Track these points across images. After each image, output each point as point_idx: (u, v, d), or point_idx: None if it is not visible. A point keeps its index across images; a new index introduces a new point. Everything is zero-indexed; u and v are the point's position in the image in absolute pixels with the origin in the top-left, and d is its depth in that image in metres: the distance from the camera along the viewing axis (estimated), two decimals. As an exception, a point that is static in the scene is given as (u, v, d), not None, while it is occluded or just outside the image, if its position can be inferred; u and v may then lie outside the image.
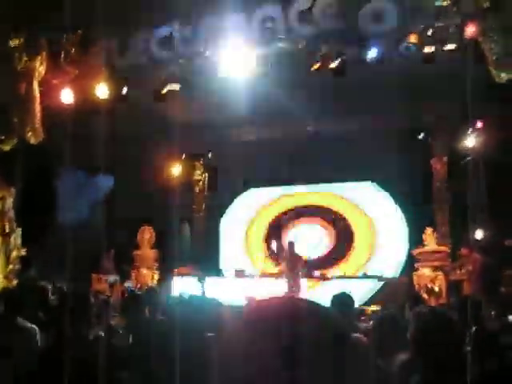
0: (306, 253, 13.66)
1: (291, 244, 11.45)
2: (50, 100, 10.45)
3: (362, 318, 7.96)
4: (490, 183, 10.92)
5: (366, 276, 11.96)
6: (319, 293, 11.00)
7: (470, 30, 7.73)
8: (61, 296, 5.43)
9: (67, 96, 10.48)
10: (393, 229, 13.47)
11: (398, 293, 10.48)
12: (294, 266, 10.98)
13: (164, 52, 9.63)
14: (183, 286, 11.81)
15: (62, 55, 10.40)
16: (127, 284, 12.10)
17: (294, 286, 10.71)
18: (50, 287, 5.58)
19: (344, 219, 13.95)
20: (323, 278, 11.91)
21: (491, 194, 10.90)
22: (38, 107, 10.04)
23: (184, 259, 13.45)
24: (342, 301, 4.30)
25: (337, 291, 4.82)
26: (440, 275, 11.16)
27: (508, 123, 10.22)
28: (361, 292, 10.53)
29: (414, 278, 11.35)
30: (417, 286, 11.10)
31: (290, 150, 13.12)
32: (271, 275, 12.04)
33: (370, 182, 13.85)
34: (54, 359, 2.89)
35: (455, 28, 8.00)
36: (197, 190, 15.20)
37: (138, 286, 12.10)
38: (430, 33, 8.35)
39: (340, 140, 12.60)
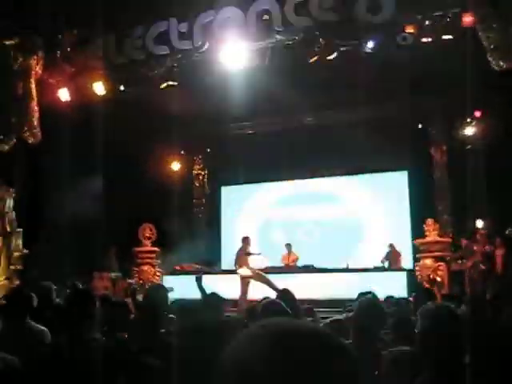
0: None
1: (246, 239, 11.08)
2: (48, 99, 10.42)
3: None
4: (489, 172, 10.90)
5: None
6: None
7: (467, 18, 7.69)
8: (70, 295, 5.37)
9: (65, 94, 10.45)
10: (397, 221, 13.47)
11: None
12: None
13: (161, 47, 9.59)
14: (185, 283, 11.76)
15: (59, 54, 10.36)
16: (130, 281, 12.11)
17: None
18: (54, 287, 5.57)
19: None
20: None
21: (491, 183, 10.87)
22: (35, 107, 10.00)
23: (186, 256, 13.44)
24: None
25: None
26: (442, 265, 11.14)
27: (507, 112, 10.20)
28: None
29: (417, 268, 11.33)
30: (419, 277, 11.08)
31: (291, 142, 13.09)
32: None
33: (381, 173, 13.80)
34: (61, 362, 2.87)
35: (452, 18, 7.95)
36: (197, 184, 15.19)
37: (141, 282, 12.10)
38: (427, 23, 8.31)
39: (339, 131, 12.57)
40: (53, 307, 4.97)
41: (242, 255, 10.77)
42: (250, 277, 10.61)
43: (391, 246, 12.31)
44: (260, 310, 3.73)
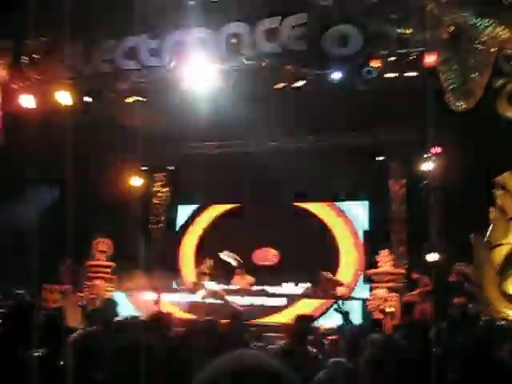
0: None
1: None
2: (11, 105, 10.27)
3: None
4: (446, 207, 11.13)
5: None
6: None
7: (430, 58, 7.95)
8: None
9: (28, 101, 10.31)
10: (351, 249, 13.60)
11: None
12: None
13: (128, 62, 9.58)
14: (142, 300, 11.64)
15: (25, 60, 10.24)
16: (80, 295, 11.87)
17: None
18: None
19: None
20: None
21: (448, 218, 11.10)
22: (-3, 111, 9.85)
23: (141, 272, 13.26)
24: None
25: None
26: (394, 296, 11.29)
27: (465, 150, 10.48)
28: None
29: (369, 298, 11.44)
30: (371, 307, 11.19)
31: (251, 165, 13.15)
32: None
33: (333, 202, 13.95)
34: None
35: (416, 56, 8.20)
36: (156, 201, 15.07)
37: (92, 297, 11.88)
38: (391, 59, 8.55)
39: (300, 158, 12.66)
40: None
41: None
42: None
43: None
44: (200, 330, 3.76)
